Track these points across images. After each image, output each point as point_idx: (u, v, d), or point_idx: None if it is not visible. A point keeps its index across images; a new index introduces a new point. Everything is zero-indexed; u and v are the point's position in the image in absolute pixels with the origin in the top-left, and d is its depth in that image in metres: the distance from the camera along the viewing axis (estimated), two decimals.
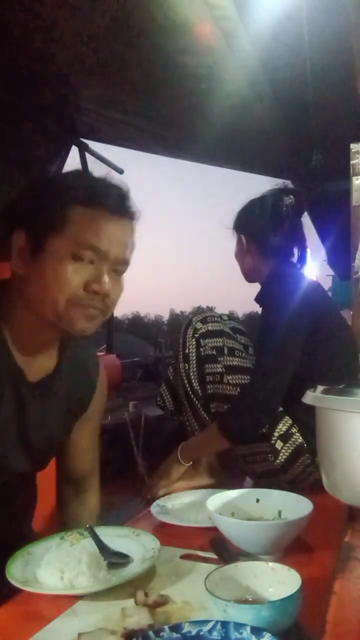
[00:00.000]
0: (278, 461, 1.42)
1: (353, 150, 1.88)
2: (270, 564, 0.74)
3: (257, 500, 1.04)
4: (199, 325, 1.50)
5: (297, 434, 1.42)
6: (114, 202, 0.92)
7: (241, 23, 1.88)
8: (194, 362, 1.47)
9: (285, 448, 1.41)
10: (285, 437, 1.42)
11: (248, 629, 0.60)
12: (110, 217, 0.92)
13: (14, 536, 1.04)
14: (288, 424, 1.43)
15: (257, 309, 1.51)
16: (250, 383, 1.41)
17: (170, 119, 2.87)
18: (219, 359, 1.45)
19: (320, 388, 1.07)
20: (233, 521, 0.93)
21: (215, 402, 1.47)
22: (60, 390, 1.04)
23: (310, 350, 1.41)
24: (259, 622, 0.62)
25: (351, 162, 1.89)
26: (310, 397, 1.05)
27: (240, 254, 1.61)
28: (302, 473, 1.42)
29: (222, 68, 2.17)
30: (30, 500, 1.15)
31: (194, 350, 1.47)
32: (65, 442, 1.12)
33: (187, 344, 1.48)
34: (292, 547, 0.93)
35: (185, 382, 1.49)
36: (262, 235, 1.56)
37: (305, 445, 1.41)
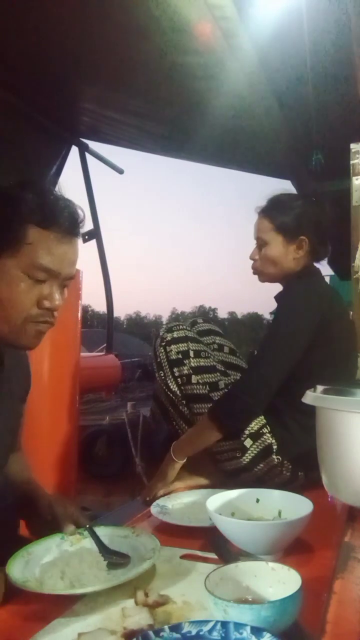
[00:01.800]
0: (244, 458, 1.44)
1: (353, 150, 1.88)
2: (270, 564, 0.74)
3: (257, 500, 1.04)
4: (165, 335, 1.59)
5: (268, 434, 1.44)
6: (67, 224, 0.95)
7: (241, 23, 1.87)
8: (167, 367, 1.55)
9: (253, 447, 1.44)
10: (255, 436, 1.44)
11: (248, 629, 0.60)
12: (63, 238, 0.95)
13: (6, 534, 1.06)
14: (260, 424, 1.44)
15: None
16: (245, 372, 1.47)
17: (170, 119, 2.87)
18: (184, 361, 1.54)
19: (320, 388, 1.07)
20: (233, 521, 0.93)
21: (192, 403, 1.53)
22: (10, 383, 1.08)
23: (309, 349, 1.42)
24: (259, 622, 0.62)
25: (351, 162, 1.89)
26: (310, 397, 1.05)
27: (284, 255, 1.56)
28: (268, 473, 1.43)
29: (222, 68, 2.16)
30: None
31: (164, 357, 1.56)
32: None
33: (158, 353, 1.58)
34: (292, 547, 0.93)
35: (164, 387, 1.56)
36: (321, 240, 1.57)
37: (275, 446, 1.43)
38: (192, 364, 1.53)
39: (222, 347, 1.70)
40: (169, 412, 1.60)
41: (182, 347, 1.55)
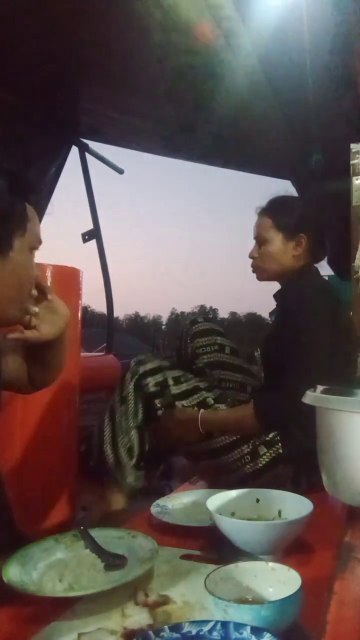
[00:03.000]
0: (257, 462, 1.44)
1: (353, 150, 1.88)
2: (270, 564, 0.74)
3: (257, 500, 1.04)
4: (137, 368, 1.55)
5: (280, 443, 1.45)
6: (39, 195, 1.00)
7: (241, 23, 1.87)
8: (132, 402, 1.52)
9: (267, 455, 1.45)
10: (270, 444, 1.45)
11: (248, 629, 0.60)
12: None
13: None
14: (274, 432, 1.45)
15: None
16: (291, 380, 1.44)
17: (171, 119, 2.87)
18: (165, 391, 1.52)
19: (320, 388, 1.07)
20: (233, 521, 0.93)
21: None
22: None
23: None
24: (259, 622, 0.62)
25: (351, 162, 1.88)
26: (310, 397, 1.05)
27: (284, 252, 1.59)
28: (273, 482, 1.41)
29: (222, 68, 2.16)
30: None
31: (132, 391, 1.53)
32: None
33: (125, 385, 1.54)
34: (292, 547, 0.93)
35: (117, 418, 1.53)
36: (322, 238, 1.61)
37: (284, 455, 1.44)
38: (174, 391, 1.51)
39: (222, 348, 1.69)
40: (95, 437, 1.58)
41: (159, 377, 1.53)
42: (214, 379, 1.68)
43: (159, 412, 1.50)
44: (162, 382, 1.52)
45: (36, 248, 1.00)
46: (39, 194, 1.03)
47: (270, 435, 1.45)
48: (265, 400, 1.47)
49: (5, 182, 0.94)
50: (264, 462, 1.44)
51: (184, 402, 1.50)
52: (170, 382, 1.53)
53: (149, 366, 1.55)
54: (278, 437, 1.45)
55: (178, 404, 1.50)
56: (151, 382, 1.52)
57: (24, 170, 1.01)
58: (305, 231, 1.58)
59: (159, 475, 1.58)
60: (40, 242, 1.01)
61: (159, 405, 1.51)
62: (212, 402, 1.51)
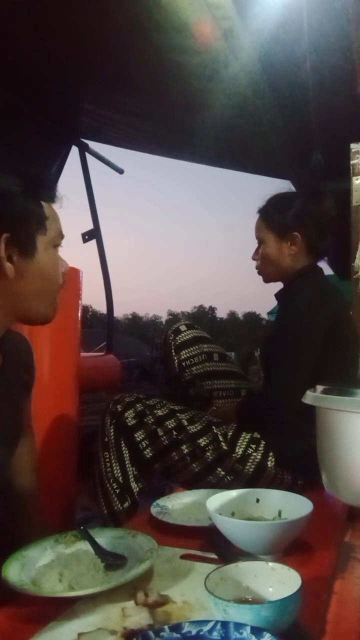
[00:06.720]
0: (239, 479, 1.42)
1: (353, 150, 1.89)
2: (270, 564, 0.74)
3: (257, 500, 1.04)
4: (114, 408, 1.51)
5: (255, 453, 1.43)
6: (50, 192, 1.04)
7: (241, 23, 1.88)
8: (113, 444, 1.48)
9: (245, 470, 1.42)
10: (243, 460, 1.43)
11: (248, 629, 0.60)
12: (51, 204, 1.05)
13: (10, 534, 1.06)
14: (243, 446, 1.43)
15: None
16: (271, 381, 1.47)
17: (171, 119, 2.87)
18: (144, 420, 1.48)
19: (320, 388, 1.06)
20: (233, 521, 0.93)
21: (169, 454, 1.47)
22: (10, 380, 1.07)
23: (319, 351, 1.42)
24: (259, 622, 0.62)
25: (351, 162, 1.89)
26: (310, 397, 1.05)
27: (279, 253, 1.57)
28: (270, 486, 1.39)
29: (222, 68, 2.16)
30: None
31: (110, 427, 1.49)
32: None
33: (105, 426, 1.50)
34: (292, 547, 0.93)
35: (102, 468, 1.49)
36: (319, 235, 1.56)
37: (270, 461, 1.42)
38: (151, 420, 1.48)
39: (211, 356, 1.67)
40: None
41: (139, 407, 1.49)
42: (204, 390, 1.66)
43: (142, 445, 1.47)
44: (140, 411, 1.48)
45: (59, 244, 1.03)
46: (52, 189, 1.04)
47: (240, 452, 1.43)
48: (246, 401, 1.49)
49: (19, 186, 0.95)
50: (247, 477, 1.42)
51: (160, 429, 1.46)
52: (147, 411, 1.48)
53: (127, 400, 1.51)
54: (250, 449, 1.43)
55: (159, 431, 1.46)
56: (130, 415, 1.48)
57: (32, 168, 1.03)
58: (299, 229, 1.54)
59: (159, 475, 1.57)
60: (62, 237, 1.04)
61: (141, 436, 1.47)
62: (186, 423, 1.47)
